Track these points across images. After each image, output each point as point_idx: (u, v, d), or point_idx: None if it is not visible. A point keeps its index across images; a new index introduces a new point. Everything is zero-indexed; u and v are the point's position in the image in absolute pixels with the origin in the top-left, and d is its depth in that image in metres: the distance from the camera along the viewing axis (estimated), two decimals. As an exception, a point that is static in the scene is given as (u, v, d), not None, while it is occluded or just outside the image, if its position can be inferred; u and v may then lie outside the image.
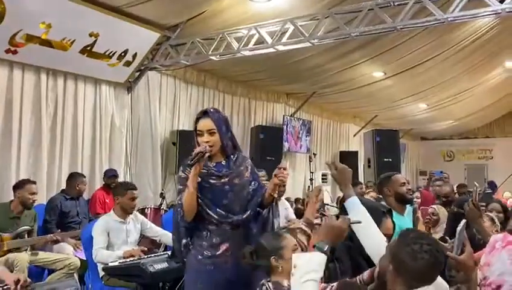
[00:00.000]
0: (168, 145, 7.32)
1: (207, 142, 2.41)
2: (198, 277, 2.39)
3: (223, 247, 2.41)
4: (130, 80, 6.57)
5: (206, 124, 2.45)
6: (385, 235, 2.26)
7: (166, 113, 7.39)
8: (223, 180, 2.44)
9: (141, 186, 6.58)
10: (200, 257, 2.40)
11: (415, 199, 4.79)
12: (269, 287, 2.03)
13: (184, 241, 2.43)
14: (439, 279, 1.68)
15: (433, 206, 4.43)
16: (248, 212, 2.48)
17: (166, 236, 3.97)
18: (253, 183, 2.56)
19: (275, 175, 2.46)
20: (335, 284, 1.90)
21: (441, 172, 9.70)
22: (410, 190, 3.10)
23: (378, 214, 2.34)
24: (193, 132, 2.51)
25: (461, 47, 7.88)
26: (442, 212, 4.22)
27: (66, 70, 5.78)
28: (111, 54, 5.85)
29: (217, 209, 2.40)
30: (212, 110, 2.51)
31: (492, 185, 10.86)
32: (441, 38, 7.21)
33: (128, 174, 6.67)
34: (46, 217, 4.89)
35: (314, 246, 1.84)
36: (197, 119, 2.48)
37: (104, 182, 5.82)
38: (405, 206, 3.08)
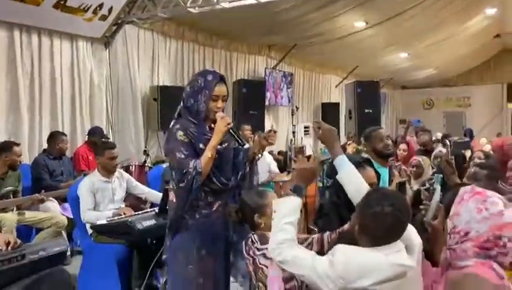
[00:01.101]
0: (149, 101, 7.24)
1: (219, 107, 2.42)
2: (196, 236, 2.45)
3: (216, 204, 2.48)
4: (106, 35, 6.38)
5: (223, 90, 2.43)
6: (368, 184, 2.35)
7: (145, 69, 7.26)
8: (224, 145, 2.47)
9: (124, 144, 6.59)
10: (197, 216, 2.45)
11: (401, 151, 4.79)
12: (254, 239, 2.12)
13: (187, 207, 2.44)
14: (413, 234, 1.74)
15: (417, 158, 4.50)
16: (240, 174, 2.54)
17: (151, 194, 4.03)
18: (232, 142, 2.61)
19: (265, 138, 2.52)
20: (333, 233, 2.01)
21: (418, 121, 9.83)
22: (388, 145, 3.15)
23: (355, 166, 2.42)
24: (189, 90, 2.45)
25: (442, -5, 7.83)
26: (426, 163, 4.30)
27: (40, 26, 5.57)
28: (86, 8, 5.64)
29: (220, 177, 2.45)
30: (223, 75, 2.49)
31: (470, 133, 11.15)
32: (423, -14, 7.14)
33: (110, 131, 6.62)
34: (42, 176, 4.89)
35: (290, 190, 1.92)
36: (215, 84, 2.41)
37: (87, 140, 5.77)
38: (386, 160, 3.16)
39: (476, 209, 1.61)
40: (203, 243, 2.48)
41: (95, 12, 5.77)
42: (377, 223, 1.64)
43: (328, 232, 2.06)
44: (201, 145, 2.41)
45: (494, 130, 12.95)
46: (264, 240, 2.06)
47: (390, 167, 3.32)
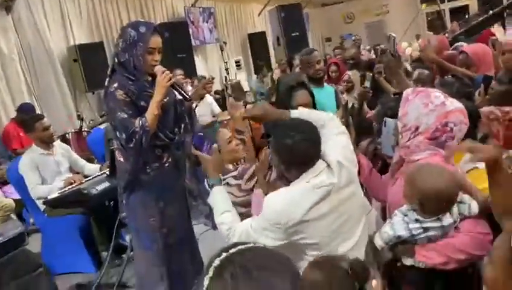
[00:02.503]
0: (70, 63, 6.81)
1: (156, 60, 2.34)
2: (152, 190, 2.47)
3: (165, 156, 2.49)
4: (5, -1, 5.80)
5: (158, 41, 2.34)
6: (302, 105, 2.42)
7: (57, 29, 6.73)
8: (165, 99, 2.42)
9: (53, 113, 6.24)
10: (149, 170, 2.46)
11: (332, 74, 4.90)
12: None
13: (139, 165, 2.43)
14: (330, 153, 1.81)
15: (348, 73, 4.65)
16: (183, 126, 2.55)
17: (89, 168, 3.92)
18: (172, 94, 2.58)
19: (204, 87, 2.51)
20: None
21: (350, 34, 10.04)
22: (318, 70, 3.20)
23: (287, 91, 2.47)
24: (123, 43, 2.34)
25: None
26: (356, 77, 4.46)
27: None
28: (-27, -28, 5.06)
29: (166, 132, 2.44)
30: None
31: (393, 39, 11.54)
32: None
33: (35, 102, 6.23)
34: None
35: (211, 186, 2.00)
36: (149, 35, 2.31)
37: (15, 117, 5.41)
38: (320, 83, 3.24)
39: (423, 105, 1.75)
40: (159, 195, 2.52)
41: (-15, -25, 5.20)
42: (296, 153, 1.71)
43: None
44: (142, 103, 2.36)
45: (414, 34, 13.51)
46: (225, 172, 2.15)
47: (337, 91, 3.42)
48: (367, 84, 3.22)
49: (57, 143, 3.86)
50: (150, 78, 2.42)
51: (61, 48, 6.73)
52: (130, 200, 2.57)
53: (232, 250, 0.90)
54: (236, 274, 0.84)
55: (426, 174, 1.58)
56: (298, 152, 1.71)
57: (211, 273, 0.87)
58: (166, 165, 2.52)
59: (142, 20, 2.48)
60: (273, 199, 1.73)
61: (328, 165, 1.76)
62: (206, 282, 0.87)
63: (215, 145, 2.28)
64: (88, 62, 6.46)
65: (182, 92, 2.47)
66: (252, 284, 0.82)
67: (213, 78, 2.45)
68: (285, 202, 1.69)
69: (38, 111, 5.79)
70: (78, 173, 3.89)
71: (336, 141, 1.87)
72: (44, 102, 6.32)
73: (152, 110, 2.31)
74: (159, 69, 2.35)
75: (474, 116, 2.07)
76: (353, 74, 4.54)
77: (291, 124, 1.83)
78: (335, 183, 1.73)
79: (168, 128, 2.49)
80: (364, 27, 16.04)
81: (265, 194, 1.84)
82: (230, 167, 2.27)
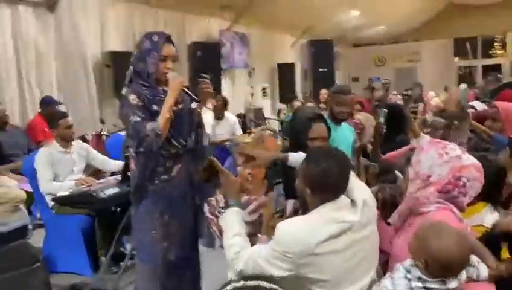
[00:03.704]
0: (102, 68, 7.00)
1: (168, 68, 2.39)
2: (158, 202, 2.47)
3: (176, 168, 2.49)
4: (50, -2, 6.03)
5: (171, 49, 2.42)
6: (319, 138, 2.42)
7: (95, 34, 6.95)
8: (180, 105, 2.45)
9: (77, 113, 6.36)
10: (157, 181, 2.46)
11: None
12: (218, 199, 2.21)
13: (148, 172, 2.44)
14: (356, 189, 1.76)
15: (358, 116, 4.64)
16: (195, 134, 2.56)
17: (109, 164, 3.97)
18: (187, 102, 2.61)
19: (202, 90, 2.55)
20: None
21: (378, 78, 10.13)
22: (343, 113, 3.13)
23: (305, 122, 2.48)
24: (139, 52, 2.41)
25: None
26: (366, 120, 4.43)
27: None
28: (24, -30, 5.29)
29: (180, 140, 2.45)
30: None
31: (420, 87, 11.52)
32: None
33: (62, 101, 6.37)
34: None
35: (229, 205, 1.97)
36: (161, 44, 2.38)
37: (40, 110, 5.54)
38: (339, 123, 3.20)
39: (437, 155, 1.73)
40: (165, 208, 2.49)
41: (35, -26, 5.42)
42: (329, 178, 1.65)
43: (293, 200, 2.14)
44: (155, 107, 2.38)
45: (443, 85, 13.47)
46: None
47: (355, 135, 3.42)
48: (381, 120, 3.23)
49: (76, 142, 3.92)
50: (165, 88, 2.46)
51: (95, 52, 6.93)
52: (138, 210, 2.57)
53: (251, 282, 0.88)
54: None
55: (438, 234, 1.48)
56: (330, 176, 1.65)
57: None
58: (177, 178, 2.52)
59: (156, 31, 2.57)
60: (288, 227, 1.64)
61: (352, 201, 1.70)
62: None
63: (239, 168, 2.27)
64: (119, 69, 6.60)
65: (191, 94, 2.50)
66: None
67: (210, 79, 2.47)
68: (301, 231, 1.60)
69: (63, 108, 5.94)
70: (99, 170, 3.96)
71: (357, 180, 1.82)
72: (70, 101, 6.46)
73: (164, 114, 2.33)
74: (171, 75, 2.40)
75: (500, 173, 2.03)
76: (364, 117, 4.52)
77: (327, 149, 1.80)
78: (355, 222, 1.65)
79: (181, 136, 2.50)
80: (394, 72, 16.08)
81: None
82: None
